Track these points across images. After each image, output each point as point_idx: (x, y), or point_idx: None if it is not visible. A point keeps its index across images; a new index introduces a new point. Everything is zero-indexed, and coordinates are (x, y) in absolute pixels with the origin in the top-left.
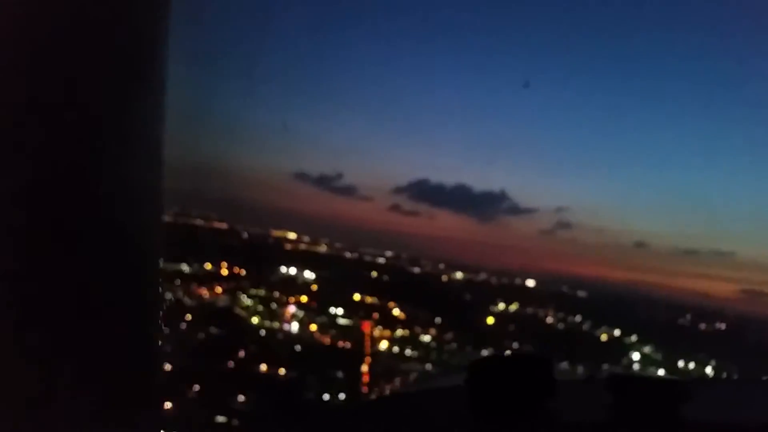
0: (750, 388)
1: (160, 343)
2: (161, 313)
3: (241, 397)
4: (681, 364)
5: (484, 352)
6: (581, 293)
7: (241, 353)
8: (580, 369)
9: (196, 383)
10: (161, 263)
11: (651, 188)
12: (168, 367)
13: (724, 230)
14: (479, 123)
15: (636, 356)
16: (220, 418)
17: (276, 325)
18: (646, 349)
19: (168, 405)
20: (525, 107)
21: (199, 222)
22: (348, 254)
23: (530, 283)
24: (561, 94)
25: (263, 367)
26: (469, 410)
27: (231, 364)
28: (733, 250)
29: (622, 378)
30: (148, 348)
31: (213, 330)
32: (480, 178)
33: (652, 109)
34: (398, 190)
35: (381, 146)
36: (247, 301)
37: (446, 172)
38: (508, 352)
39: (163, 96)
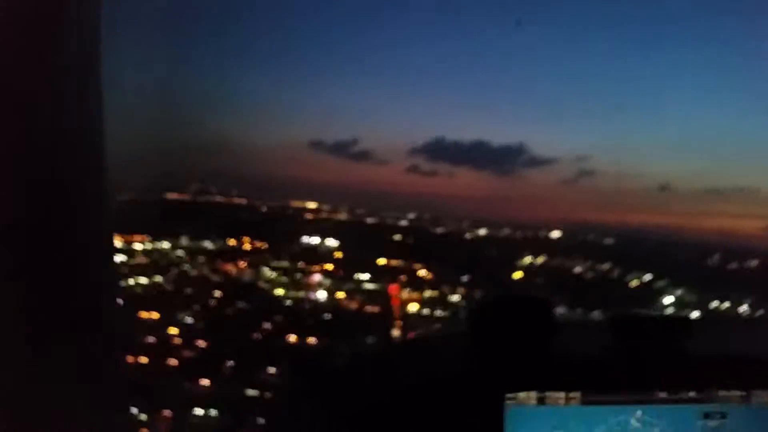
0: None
1: (112, 328)
2: (114, 297)
3: (272, 369)
4: (714, 304)
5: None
6: (608, 240)
7: (269, 325)
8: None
9: (229, 359)
10: (111, 249)
11: (671, 128)
12: (202, 344)
13: (748, 165)
14: (491, 75)
15: (668, 300)
16: (252, 392)
17: (302, 294)
18: (678, 292)
19: (204, 382)
20: (535, 55)
21: (219, 198)
22: (370, 219)
23: (556, 234)
24: (572, 39)
25: (293, 338)
26: (473, 353)
27: (261, 336)
28: (758, 184)
29: (623, 317)
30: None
31: (241, 304)
32: (497, 132)
33: (667, 45)
34: (415, 151)
35: (394, 108)
36: (272, 273)
37: (462, 129)
38: (506, 295)
39: (98, 73)
